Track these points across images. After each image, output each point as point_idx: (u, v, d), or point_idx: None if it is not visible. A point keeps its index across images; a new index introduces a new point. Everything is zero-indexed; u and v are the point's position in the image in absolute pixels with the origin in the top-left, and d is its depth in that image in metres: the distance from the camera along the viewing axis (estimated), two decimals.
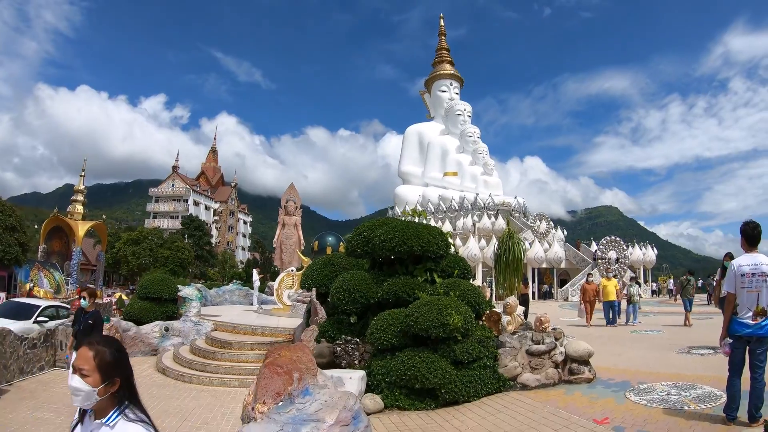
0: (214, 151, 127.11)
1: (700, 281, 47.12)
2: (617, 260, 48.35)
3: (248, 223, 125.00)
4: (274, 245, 29.72)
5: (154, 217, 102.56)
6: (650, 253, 54.84)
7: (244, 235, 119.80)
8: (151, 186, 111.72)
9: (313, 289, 11.24)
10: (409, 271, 9.00)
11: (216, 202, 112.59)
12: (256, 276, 27.04)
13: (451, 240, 10.01)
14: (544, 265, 50.34)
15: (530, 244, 48.65)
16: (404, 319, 7.72)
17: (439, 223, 58.33)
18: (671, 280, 49.73)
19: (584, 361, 8.24)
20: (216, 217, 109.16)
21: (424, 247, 8.64)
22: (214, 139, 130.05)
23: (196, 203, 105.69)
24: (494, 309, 8.02)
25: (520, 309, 8.67)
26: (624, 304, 20.64)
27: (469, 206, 58.63)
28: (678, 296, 19.46)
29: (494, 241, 47.63)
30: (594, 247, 51.91)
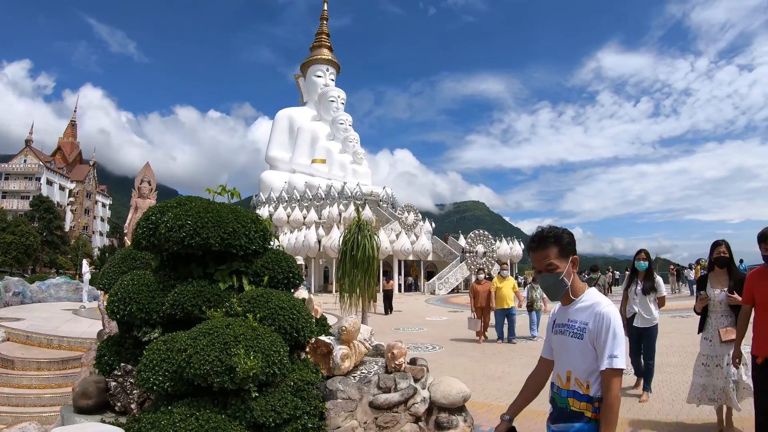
0: (73, 125, 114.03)
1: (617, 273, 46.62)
2: (485, 254, 47.84)
3: (107, 206, 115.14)
4: (126, 231, 26.12)
5: (4, 197, 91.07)
6: (517, 248, 55.28)
7: (102, 219, 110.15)
8: (3, 161, 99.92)
9: (101, 292, 8.13)
10: (207, 273, 6.09)
11: (72, 182, 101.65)
12: (86, 267, 23.23)
13: (285, 231, 7.14)
14: (410, 258, 48.96)
15: (397, 236, 47.30)
16: (175, 356, 4.79)
17: (305, 211, 55.91)
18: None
19: (458, 408, 5.65)
20: (71, 199, 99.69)
21: (226, 239, 5.69)
22: (75, 111, 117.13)
23: (49, 182, 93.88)
24: (322, 338, 5.21)
25: (366, 330, 5.92)
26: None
27: (336, 195, 56.48)
28: None
29: None
30: (462, 240, 51.28)
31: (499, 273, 16.08)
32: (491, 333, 15.39)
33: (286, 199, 59.63)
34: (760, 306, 5.11)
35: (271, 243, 6.44)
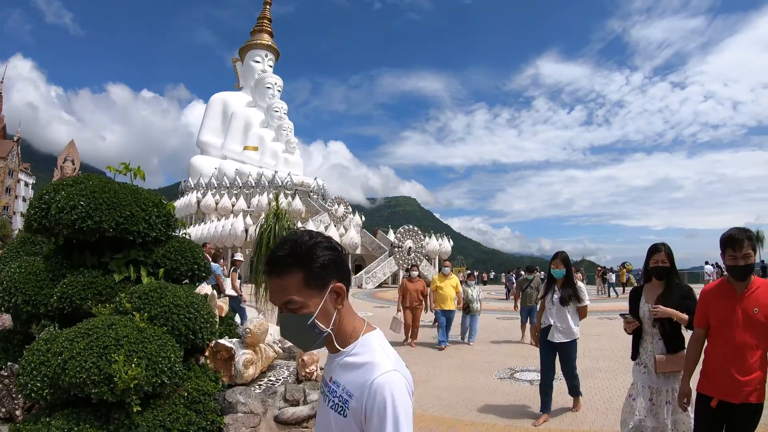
0: None
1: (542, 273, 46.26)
2: (410, 249, 47.70)
3: (30, 186, 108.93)
4: None
5: None
6: (446, 244, 55.49)
7: (24, 200, 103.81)
8: None
9: None
10: (102, 262, 5.40)
11: None
12: None
13: (213, 218, 6.47)
14: None
15: (326, 228, 46.75)
16: (52, 359, 4.11)
17: (234, 198, 54.64)
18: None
19: None
20: None
21: (122, 224, 5.01)
22: (1, 82, 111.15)
23: None
24: (222, 341, 4.56)
25: (276, 331, 5.36)
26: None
27: (267, 183, 55.44)
28: (517, 303, 14.67)
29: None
30: (392, 235, 51.01)
31: (440, 271, 13.82)
32: (423, 335, 14.12)
33: (216, 185, 58.20)
34: (716, 330, 3.91)
35: (177, 231, 5.79)
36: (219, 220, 51.17)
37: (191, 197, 56.96)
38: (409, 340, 13.45)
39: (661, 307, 4.61)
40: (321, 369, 5.19)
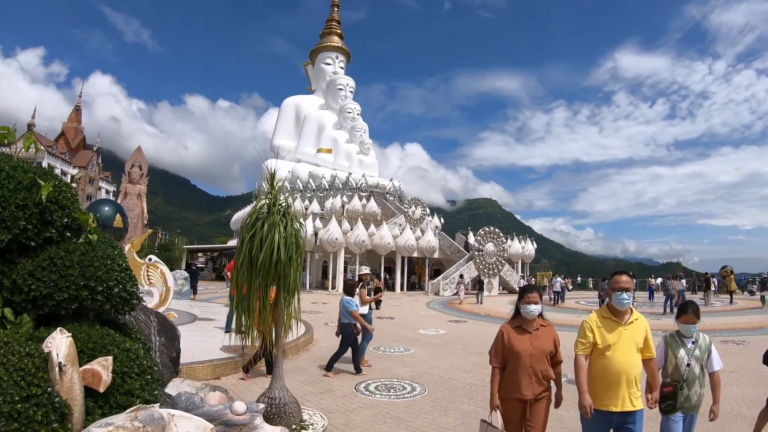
0: (77, 110, 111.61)
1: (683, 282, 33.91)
2: (478, 249, 44.77)
3: (111, 193, 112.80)
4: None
5: None
6: (530, 247, 52.16)
7: None
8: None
9: None
10: None
11: (75, 167, 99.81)
12: None
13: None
14: (415, 254, 45.85)
15: (401, 230, 44.49)
16: None
17: (307, 202, 53.14)
18: (558, 280, 35.89)
19: None
20: (74, 185, 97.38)
21: None
22: (80, 96, 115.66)
23: (50, 167, 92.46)
24: None
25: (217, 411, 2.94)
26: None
27: (340, 185, 53.56)
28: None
29: (359, 225, 42.58)
30: (471, 237, 48.14)
31: (605, 301, 5.03)
32: None
33: (289, 189, 56.89)
34: None
35: (83, 231, 3.48)
36: None
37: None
38: None
39: None
40: None
